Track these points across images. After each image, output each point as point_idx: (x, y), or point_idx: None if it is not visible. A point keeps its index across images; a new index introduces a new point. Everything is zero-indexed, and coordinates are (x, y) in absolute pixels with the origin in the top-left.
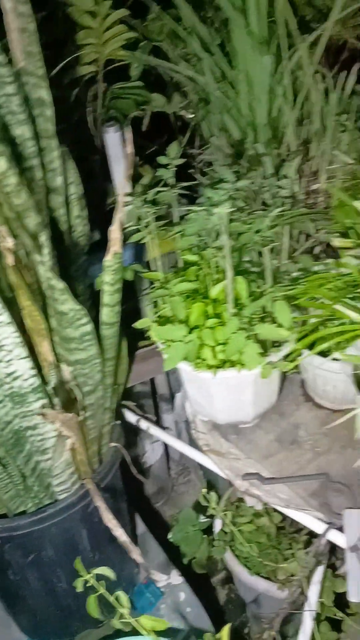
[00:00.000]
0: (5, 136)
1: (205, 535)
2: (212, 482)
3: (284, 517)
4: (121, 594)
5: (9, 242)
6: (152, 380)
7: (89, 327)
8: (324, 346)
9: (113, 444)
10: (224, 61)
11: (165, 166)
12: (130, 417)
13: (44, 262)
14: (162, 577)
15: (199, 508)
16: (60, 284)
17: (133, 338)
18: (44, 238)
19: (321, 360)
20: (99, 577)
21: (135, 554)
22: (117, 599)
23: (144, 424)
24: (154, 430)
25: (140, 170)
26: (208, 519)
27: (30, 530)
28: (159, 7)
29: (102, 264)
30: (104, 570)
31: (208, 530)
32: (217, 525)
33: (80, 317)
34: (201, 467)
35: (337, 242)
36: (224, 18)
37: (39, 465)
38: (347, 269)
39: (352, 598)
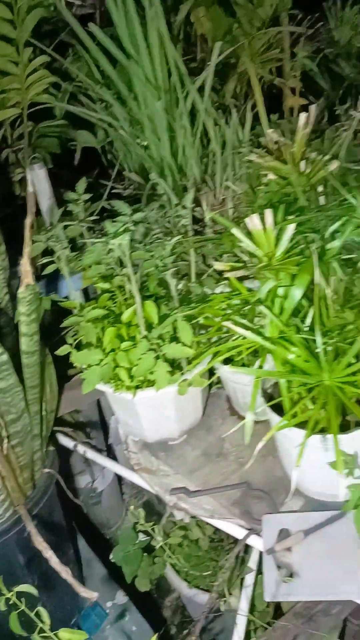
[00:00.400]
0: None
1: (146, 554)
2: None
3: (217, 529)
4: (41, 609)
5: None
6: (88, 412)
7: (5, 357)
8: (219, 359)
9: (46, 470)
10: (133, 104)
11: (75, 201)
12: (68, 444)
13: None
14: (94, 594)
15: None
16: None
17: (67, 366)
18: None
19: (234, 375)
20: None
21: (66, 574)
22: (37, 614)
23: (80, 449)
24: (91, 454)
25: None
26: (147, 538)
27: None
28: (75, 51)
29: (17, 295)
30: (27, 588)
31: (151, 548)
32: (157, 544)
33: None
34: None
35: (217, 265)
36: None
37: None
38: (240, 289)
39: (267, 598)
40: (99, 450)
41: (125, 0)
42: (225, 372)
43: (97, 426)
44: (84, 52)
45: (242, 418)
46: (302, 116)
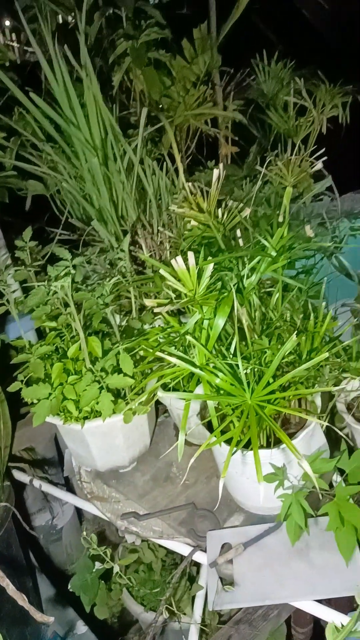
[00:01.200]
0: None
1: (102, 581)
2: None
3: (169, 552)
4: None
5: None
6: (43, 447)
7: None
8: (159, 384)
9: (3, 504)
10: (74, 158)
11: (21, 248)
12: (25, 479)
13: None
14: (50, 619)
15: (96, 556)
16: None
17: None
18: None
19: (176, 401)
20: None
21: (22, 601)
22: None
23: (36, 483)
24: (46, 488)
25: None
26: (104, 566)
27: None
28: (21, 109)
29: None
30: None
31: (109, 576)
32: (115, 570)
33: None
34: None
35: (147, 302)
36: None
37: None
38: (172, 322)
39: (210, 607)
40: (56, 484)
41: (62, 72)
42: (170, 400)
43: (54, 461)
44: (26, 114)
45: (187, 443)
46: (215, 172)
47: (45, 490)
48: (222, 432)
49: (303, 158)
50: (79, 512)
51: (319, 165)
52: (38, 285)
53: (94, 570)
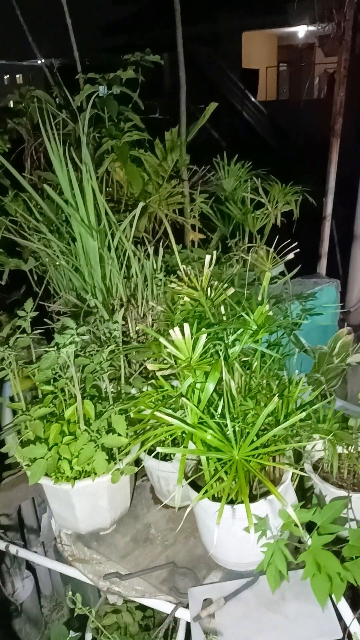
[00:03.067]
0: None
1: None
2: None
3: (146, 616)
4: None
5: None
6: (19, 513)
7: None
8: (150, 444)
9: None
10: (68, 238)
11: (23, 317)
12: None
13: None
14: None
15: (70, 626)
16: None
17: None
18: None
19: (157, 463)
20: None
21: None
22: None
23: (13, 549)
24: (23, 553)
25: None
26: (79, 633)
27: None
28: (15, 191)
29: None
30: None
31: None
32: (88, 638)
33: None
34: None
35: (150, 366)
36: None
37: None
38: (165, 385)
39: None
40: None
41: (68, 167)
42: (151, 463)
43: (33, 528)
44: (23, 196)
45: (165, 506)
46: (207, 257)
47: (23, 556)
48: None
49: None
50: (38, 588)
51: (290, 255)
52: (47, 351)
53: (68, 638)
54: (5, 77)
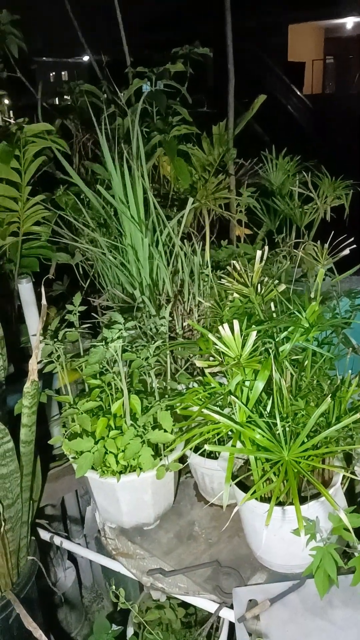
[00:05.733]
0: None
1: None
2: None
3: (188, 613)
4: None
5: None
6: (62, 504)
7: (11, 444)
8: (197, 442)
9: (30, 557)
10: (116, 233)
11: (71, 312)
12: (44, 536)
13: None
14: None
15: (112, 619)
16: None
17: (45, 460)
18: None
19: (203, 460)
20: None
21: None
22: None
23: (57, 540)
24: (67, 545)
25: (47, 311)
26: (120, 627)
27: None
28: (65, 186)
29: (23, 390)
30: None
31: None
32: (129, 632)
33: (3, 435)
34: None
35: (198, 363)
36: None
37: None
38: (211, 383)
39: None
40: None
41: (122, 165)
42: (196, 460)
43: (76, 519)
44: (73, 191)
45: (208, 503)
46: (258, 253)
47: (66, 548)
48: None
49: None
50: (79, 579)
51: (346, 251)
52: (96, 345)
53: (110, 631)
54: (51, 75)
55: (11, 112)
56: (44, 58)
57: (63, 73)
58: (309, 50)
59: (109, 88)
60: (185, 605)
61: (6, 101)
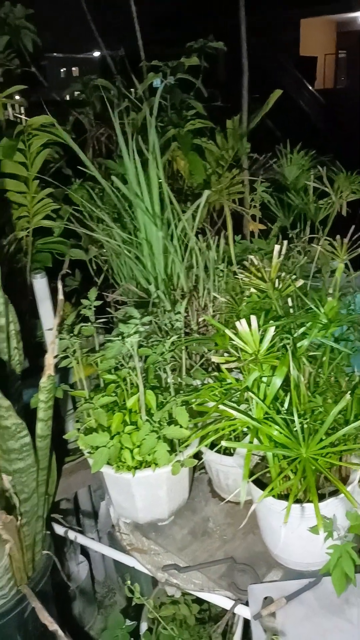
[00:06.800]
0: None
1: (133, 638)
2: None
3: (201, 609)
4: None
5: None
6: (75, 499)
7: (28, 439)
8: (213, 439)
9: (45, 552)
10: (130, 227)
11: (86, 306)
12: (58, 530)
13: None
14: None
15: (125, 614)
16: (5, 402)
17: (59, 455)
18: None
19: (218, 457)
20: None
21: None
22: None
23: (71, 534)
24: (82, 539)
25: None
26: (134, 622)
27: None
28: (80, 180)
29: (39, 385)
30: None
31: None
32: (143, 627)
33: (20, 430)
34: (124, 581)
35: (215, 358)
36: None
37: None
38: (228, 379)
39: None
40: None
41: (135, 155)
42: (212, 457)
43: (89, 513)
44: (87, 186)
45: (222, 500)
46: (276, 247)
47: (81, 542)
48: (265, 485)
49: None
50: (92, 574)
51: None
52: (113, 340)
53: (124, 626)
54: (61, 70)
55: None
56: (54, 54)
57: (73, 69)
58: (321, 45)
59: (122, 83)
60: (199, 601)
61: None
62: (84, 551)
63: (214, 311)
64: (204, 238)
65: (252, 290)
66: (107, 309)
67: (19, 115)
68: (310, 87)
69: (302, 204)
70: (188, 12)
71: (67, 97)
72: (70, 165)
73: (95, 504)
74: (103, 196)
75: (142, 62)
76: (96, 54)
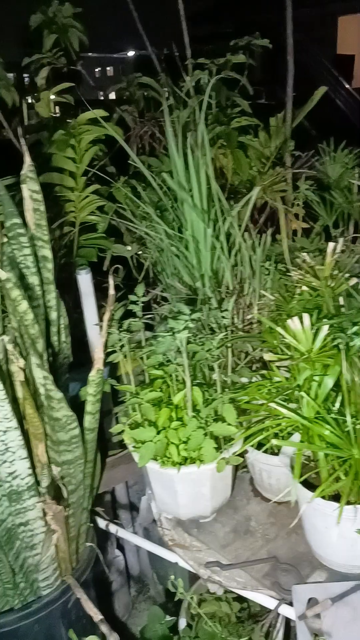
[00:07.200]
0: (22, 284)
1: (172, 634)
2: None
3: (242, 607)
4: None
5: (21, 362)
6: (112, 493)
7: (77, 431)
8: (260, 438)
9: (89, 544)
10: (176, 223)
11: (135, 302)
12: (99, 523)
13: (47, 377)
14: None
15: (164, 609)
16: (58, 394)
17: (101, 448)
18: (45, 358)
19: (263, 456)
20: None
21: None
22: None
23: (112, 528)
24: (122, 533)
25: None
26: (174, 617)
27: (17, 626)
28: (124, 177)
29: (88, 378)
30: None
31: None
32: (182, 623)
33: (70, 422)
34: (159, 577)
35: (267, 356)
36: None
37: (27, 562)
38: (278, 377)
39: None
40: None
41: (187, 150)
42: (256, 455)
43: (126, 507)
44: (136, 183)
45: (264, 499)
46: (331, 245)
47: (122, 536)
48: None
49: None
50: (127, 569)
51: None
52: (164, 336)
53: (163, 621)
54: (96, 70)
55: (57, 107)
56: (90, 53)
57: (108, 68)
58: (359, 43)
59: (166, 82)
60: (239, 599)
61: (52, 96)
62: (119, 545)
63: (258, 309)
64: (249, 235)
65: (304, 288)
66: (154, 305)
67: (55, 114)
68: (347, 86)
69: (345, 203)
70: (224, 8)
71: (110, 96)
72: (112, 163)
73: (131, 499)
74: (146, 194)
75: (189, 60)
76: (130, 53)
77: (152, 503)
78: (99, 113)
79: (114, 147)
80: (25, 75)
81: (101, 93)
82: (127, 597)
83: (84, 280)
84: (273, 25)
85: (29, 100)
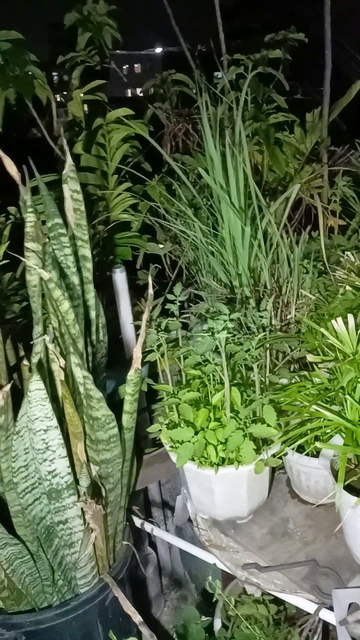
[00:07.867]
0: (63, 283)
1: (207, 634)
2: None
3: (279, 610)
4: None
5: (61, 362)
6: (144, 492)
7: (116, 430)
8: (303, 440)
9: (125, 543)
10: (210, 220)
11: (172, 301)
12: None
13: (87, 376)
14: None
15: (200, 610)
16: (98, 394)
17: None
18: (85, 357)
19: (303, 458)
20: None
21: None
22: None
23: (148, 527)
24: (158, 532)
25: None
26: (209, 618)
27: (55, 623)
28: (159, 176)
29: (127, 378)
30: None
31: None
32: (217, 624)
33: (110, 421)
34: (191, 576)
35: (310, 358)
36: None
37: (65, 560)
38: (319, 379)
39: None
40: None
41: (226, 146)
42: (295, 457)
43: (158, 506)
44: (170, 180)
45: (302, 501)
46: None
47: (157, 535)
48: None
49: None
50: (159, 566)
51: None
52: (203, 337)
53: (198, 621)
54: (124, 67)
55: (85, 105)
56: (117, 51)
57: (136, 65)
58: None
59: (200, 78)
60: (276, 602)
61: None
62: (150, 542)
63: (296, 309)
64: (286, 234)
65: (347, 287)
66: (191, 304)
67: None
68: None
69: None
70: (254, 3)
71: (142, 93)
72: (147, 160)
73: (163, 497)
74: (177, 192)
75: (224, 56)
76: (158, 50)
77: (187, 502)
78: (126, 112)
79: (148, 145)
80: (54, 73)
81: (129, 90)
82: (160, 594)
83: (119, 278)
84: (300, 20)
85: (58, 99)
